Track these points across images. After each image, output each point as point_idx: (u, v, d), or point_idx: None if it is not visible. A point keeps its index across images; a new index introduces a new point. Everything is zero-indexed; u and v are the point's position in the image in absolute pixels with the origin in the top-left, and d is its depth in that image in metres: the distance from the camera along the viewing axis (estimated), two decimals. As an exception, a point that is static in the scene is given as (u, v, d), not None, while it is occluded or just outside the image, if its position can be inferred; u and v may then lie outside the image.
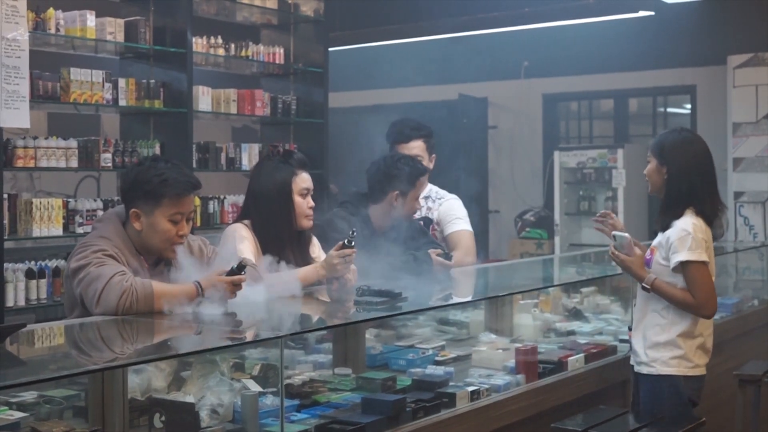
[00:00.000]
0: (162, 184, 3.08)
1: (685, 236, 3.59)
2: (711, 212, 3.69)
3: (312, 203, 3.70)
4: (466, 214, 4.52)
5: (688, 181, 3.65)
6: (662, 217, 3.72)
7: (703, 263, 3.60)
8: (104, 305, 2.90)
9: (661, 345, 3.68)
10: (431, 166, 4.54)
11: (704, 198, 3.68)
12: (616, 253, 3.71)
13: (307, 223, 3.69)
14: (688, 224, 3.61)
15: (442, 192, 4.59)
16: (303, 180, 3.68)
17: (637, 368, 3.77)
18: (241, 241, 3.57)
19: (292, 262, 3.59)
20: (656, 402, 3.67)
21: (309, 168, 3.76)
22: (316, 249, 3.82)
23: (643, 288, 3.70)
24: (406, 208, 4.13)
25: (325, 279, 3.63)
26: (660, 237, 3.71)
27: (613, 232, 3.78)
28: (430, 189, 4.55)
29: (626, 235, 3.73)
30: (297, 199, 3.65)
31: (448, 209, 4.50)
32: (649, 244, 3.83)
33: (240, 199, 6.39)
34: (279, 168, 3.68)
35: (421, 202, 4.37)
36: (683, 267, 3.60)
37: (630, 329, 3.95)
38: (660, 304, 3.70)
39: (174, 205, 3.10)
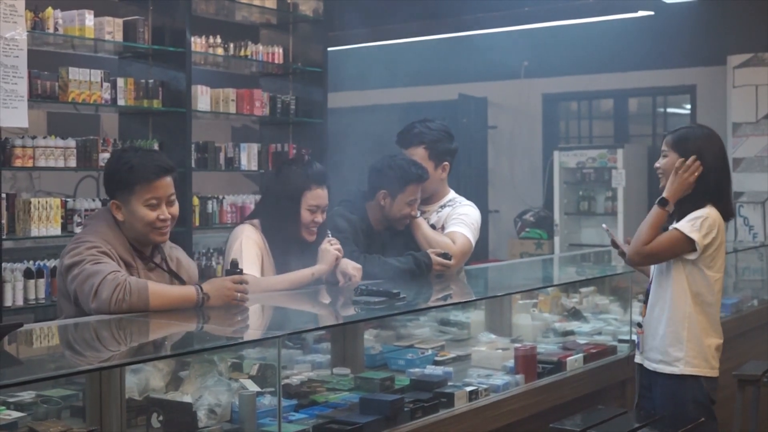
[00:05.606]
0: (129, 171, 3.10)
1: (695, 218, 3.50)
2: (729, 209, 3.62)
3: (320, 219, 3.66)
4: (473, 222, 4.12)
5: (718, 176, 3.56)
6: (679, 212, 3.59)
7: (686, 241, 3.48)
8: (99, 301, 2.89)
9: (685, 342, 3.56)
10: (441, 175, 4.18)
11: (727, 194, 3.62)
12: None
13: (308, 237, 3.66)
14: (704, 211, 3.52)
15: (462, 199, 4.24)
16: (315, 197, 3.64)
17: (653, 366, 3.64)
18: (247, 242, 3.58)
19: (295, 267, 3.61)
20: (677, 403, 3.56)
21: (326, 182, 3.70)
22: None
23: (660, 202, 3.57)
24: (394, 211, 3.97)
25: (325, 277, 3.64)
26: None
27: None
28: (452, 198, 4.24)
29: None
30: (303, 212, 3.63)
31: (459, 212, 4.15)
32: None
33: (239, 198, 6.40)
34: (296, 176, 3.66)
35: (433, 211, 4.17)
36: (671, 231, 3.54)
37: (640, 326, 3.75)
38: (678, 298, 3.57)
39: (147, 191, 3.10)
